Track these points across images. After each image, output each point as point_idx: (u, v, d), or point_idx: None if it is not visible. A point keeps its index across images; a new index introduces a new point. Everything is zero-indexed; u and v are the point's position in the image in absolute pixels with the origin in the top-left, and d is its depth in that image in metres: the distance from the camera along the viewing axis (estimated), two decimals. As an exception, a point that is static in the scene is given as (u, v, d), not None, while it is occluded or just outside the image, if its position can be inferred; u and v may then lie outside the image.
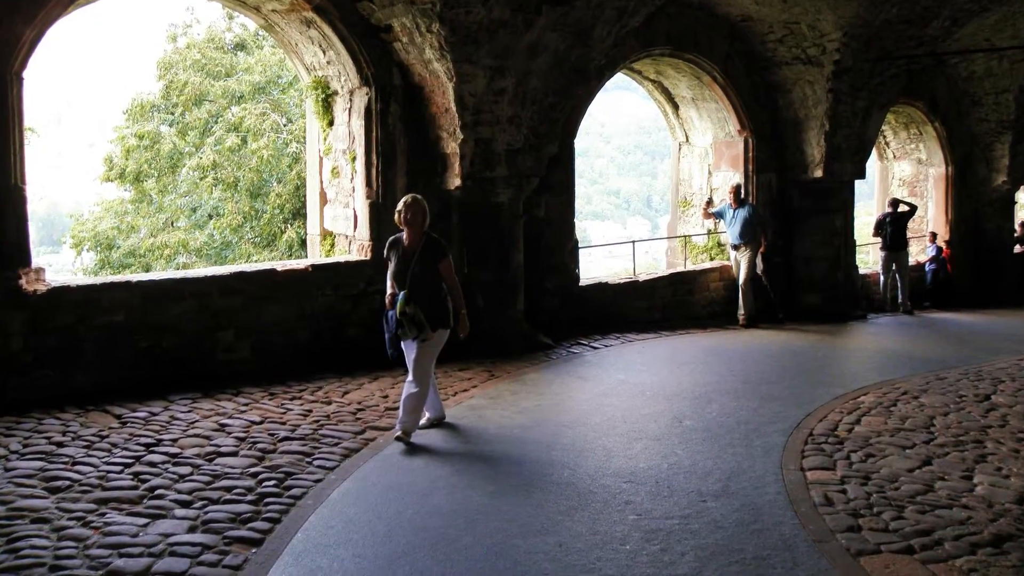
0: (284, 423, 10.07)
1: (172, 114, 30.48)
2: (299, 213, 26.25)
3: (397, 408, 10.09)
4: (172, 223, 29.63)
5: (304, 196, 19.96)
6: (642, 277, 17.72)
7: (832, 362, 15.02)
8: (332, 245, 14.32)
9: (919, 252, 24.00)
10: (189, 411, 10.42)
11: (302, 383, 11.88)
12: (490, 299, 14.07)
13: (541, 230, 15.38)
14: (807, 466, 8.96)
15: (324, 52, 13.49)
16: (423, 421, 10.03)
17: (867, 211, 35.44)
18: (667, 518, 7.55)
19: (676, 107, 19.50)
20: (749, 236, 17.67)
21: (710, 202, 18.94)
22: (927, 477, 8.66)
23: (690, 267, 18.85)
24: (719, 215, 18.28)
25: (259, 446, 9.23)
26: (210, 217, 29.07)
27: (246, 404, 10.83)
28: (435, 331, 9.59)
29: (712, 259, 19.19)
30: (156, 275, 12.43)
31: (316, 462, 8.86)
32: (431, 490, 8.20)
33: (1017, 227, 25.85)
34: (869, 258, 25.78)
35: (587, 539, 7.10)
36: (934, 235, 23.71)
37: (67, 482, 8.05)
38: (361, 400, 11.20)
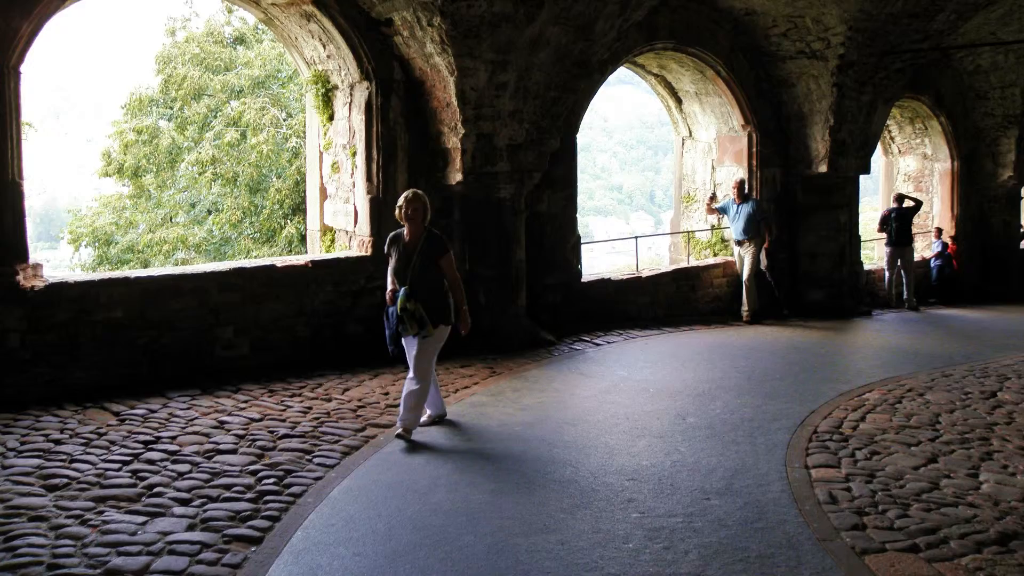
0: (284, 420, 10.07)
1: (171, 109, 30.46)
2: (299, 208, 26.24)
3: (398, 405, 10.10)
4: (171, 218, 29.61)
5: (304, 191, 19.99)
6: (645, 273, 17.70)
7: (837, 359, 15.02)
8: (332, 241, 14.32)
9: (924, 248, 24.00)
10: (188, 408, 10.42)
11: (302, 380, 11.88)
12: (492, 295, 14.07)
13: (543, 226, 15.38)
14: (811, 464, 8.96)
15: (324, 46, 13.48)
16: (424, 418, 10.03)
17: (872, 206, 35.51)
18: (670, 516, 7.55)
19: (679, 101, 19.48)
20: (753, 232, 17.66)
21: (714, 197, 18.93)
22: (932, 475, 8.66)
23: (693, 263, 18.83)
24: (723, 210, 18.27)
25: (259, 443, 9.23)
26: (209, 213, 29.06)
27: (245, 401, 10.83)
28: (436, 327, 9.59)
29: (715, 255, 19.18)
30: (155, 271, 12.42)
31: (316, 460, 8.86)
32: (432, 488, 8.20)
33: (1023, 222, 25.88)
34: (874, 254, 25.80)
35: (589, 537, 7.10)
36: (940, 231, 23.72)
37: (65, 480, 8.05)
38: (361, 397, 11.20)
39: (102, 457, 8.69)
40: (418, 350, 9.60)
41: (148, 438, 9.28)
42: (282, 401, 10.89)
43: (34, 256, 11.08)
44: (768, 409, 11.04)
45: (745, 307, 17.80)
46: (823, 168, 18.72)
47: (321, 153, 14.48)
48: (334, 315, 13.06)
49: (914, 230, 21.98)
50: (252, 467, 8.54)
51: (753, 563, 6.65)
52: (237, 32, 31.76)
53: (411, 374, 9.65)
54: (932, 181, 24.30)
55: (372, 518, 7.45)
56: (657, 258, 32.79)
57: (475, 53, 12.85)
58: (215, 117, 29.25)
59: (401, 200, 9.70)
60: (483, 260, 14.10)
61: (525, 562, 6.64)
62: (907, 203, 21.50)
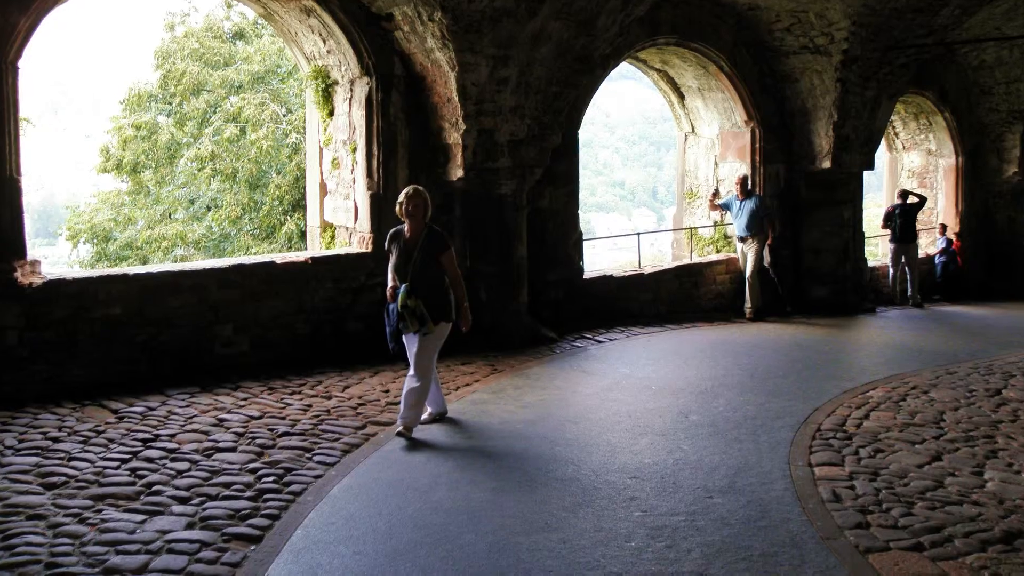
0: (283, 418, 10.07)
1: (170, 104, 30.46)
2: (299, 205, 26.25)
3: (398, 403, 10.09)
4: (170, 215, 29.63)
5: (304, 187, 19.97)
6: (647, 270, 17.70)
7: (840, 356, 15.01)
8: (332, 237, 14.31)
9: (929, 244, 23.98)
10: (187, 406, 10.42)
11: (302, 377, 11.88)
12: (493, 292, 14.06)
13: (545, 222, 15.37)
14: (815, 462, 8.96)
15: (324, 41, 13.47)
16: (425, 416, 10.03)
17: (876, 203, 35.50)
18: (673, 514, 7.54)
19: (682, 97, 19.47)
20: (756, 228, 17.65)
21: (716, 193, 18.90)
22: (937, 473, 8.65)
23: (696, 259, 18.82)
24: (725, 207, 18.25)
25: (258, 441, 9.23)
26: (208, 209, 29.07)
27: (245, 399, 10.83)
28: (437, 324, 9.59)
29: (718, 251, 19.16)
30: (153, 268, 12.43)
31: (316, 458, 8.86)
32: (433, 486, 8.20)
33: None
34: (878, 250, 25.81)
35: (591, 536, 7.10)
36: (944, 227, 23.69)
37: (63, 478, 8.05)
38: (362, 395, 11.20)
39: (100, 455, 8.69)
40: (419, 347, 9.60)
41: (147, 436, 9.28)
42: (282, 399, 10.89)
43: (32, 253, 11.07)
44: (771, 407, 11.04)
45: (748, 304, 17.79)
46: (827, 164, 18.70)
47: (321, 149, 14.47)
48: (334, 312, 13.05)
49: (918, 226, 21.95)
50: (251, 465, 8.54)
51: (756, 562, 6.65)
52: (236, 27, 31.76)
53: (412, 371, 9.65)
54: (936, 177, 24.27)
55: (372, 516, 7.45)
56: (659, 255, 32.76)
57: (476, 48, 12.84)
58: (214, 113, 29.25)
59: (402, 196, 9.70)
60: (484, 257, 14.09)
61: (526, 561, 6.63)
62: (911, 199, 21.49)
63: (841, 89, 17.90)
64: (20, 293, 10.52)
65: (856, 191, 19.86)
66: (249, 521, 7.26)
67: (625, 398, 11.41)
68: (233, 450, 8.97)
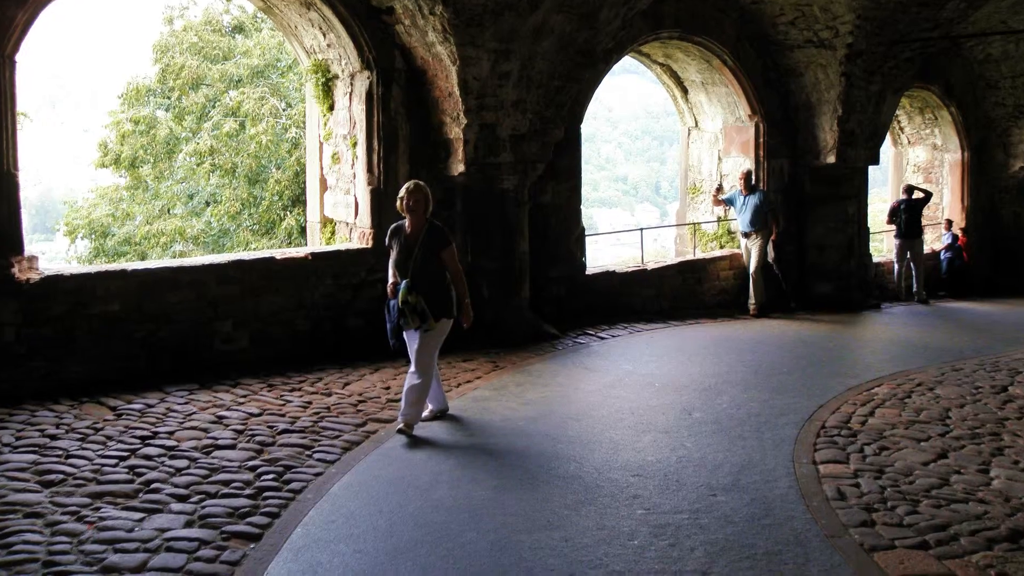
0: (283, 415, 10.07)
1: (168, 98, 30.42)
2: (299, 200, 26.22)
3: (399, 400, 10.09)
4: (168, 210, 29.60)
5: (304, 182, 19.95)
6: (650, 265, 17.69)
7: (845, 352, 15.01)
8: (332, 233, 14.31)
9: (934, 240, 23.96)
10: (186, 403, 10.42)
11: (302, 374, 11.88)
12: (494, 288, 14.05)
13: (547, 217, 15.36)
14: (819, 459, 8.96)
15: (324, 35, 13.46)
16: (426, 413, 10.03)
17: (881, 198, 35.40)
18: (676, 512, 7.54)
19: (685, 91, 19.46)
20: (760, 223, 17.64)
21: (720, 189, 18.89)
22: (942, 471, 8.65)
23: (699, 255, 18.82)
24: (729, 202, 18.24)
25: (258, 439, 9.23)
26: (207, 204, 29.04)
27: (244, 396, 10.83)
28: (438, 321, 9.59)
29: (722, 247, 19.16)
30: (152, 264, 12.42)
31: (316, 455, 8.86)
32: (434, 484, 8.20)
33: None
34: (883, 246, 25.74)
35: (594, 534, 7.10)
36: (950, 222, 23.67)
37: (61, 476, 8.06)
38: (362, 392, 11.20)
39: (99, 452, 8.69)
40: (420, 344, 9.60)
41: (145, 433, 9.28)
42: (281, 396, 10.89)
43: (29, 248, 11.08)
44: (775, 404, 11.04)
45: (752, 300, 17.78)
46: (831, 159, 18.69)
47: (321, 144, 14.47)
48: (334, 308, 13.05)
49: (924, 222, 21.93)
50: (251, 463, 8.55)
51: (760, 560, 6.65)
52: (236, 21, 31.74)
53: (412, 368, 9.66)
54: (942, 172, 24.25)
55: (373, 514, 7.45)
56: (663, 250, 32.79)
57: (478, 42, 12.83)
58: (213, 107, 29.22)
59: (402, 191, 9.69)
60: (486, 252, 14.08)
61: (528, 559, 6.63)
62: (916, 194, 21.46)
63: (846, 83, 17.88)
64: (17, 289, 10.52)
65: (861, 186, 19.85)
66: (248, 519, 7.27)
67: (628, 395, 11.40)
68: (232, 447, 8.97)
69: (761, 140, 18.66)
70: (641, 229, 20.72)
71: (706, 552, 6.77)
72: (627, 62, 18.92)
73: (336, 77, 13.91)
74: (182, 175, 29.61)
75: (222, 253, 23.68)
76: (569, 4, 13.14)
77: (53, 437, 9.08)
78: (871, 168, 20.06)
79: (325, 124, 14.28)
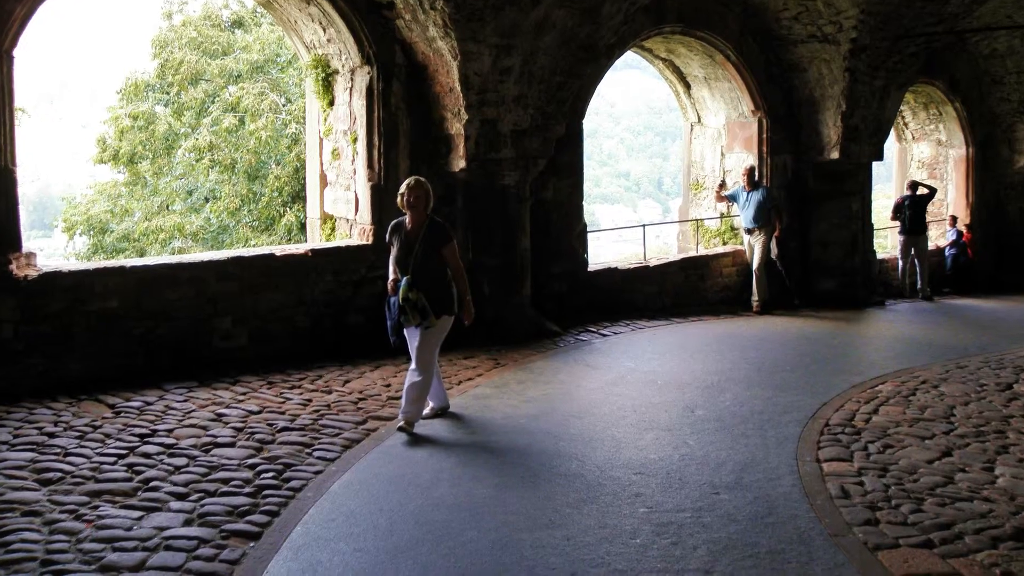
0: (283, 413, 10.07)
1: (167, 94, 30.39)
2: (298, 196, 26.20)
3: (400, 397, 10.09)
4: (167, 206, 29.57)
5: (304, 178, 19.94)
6: (653, 262, 17.69)
7: (849, 350, 15.01)
8: (332, 229, 14.31)
9: (939, 236, 23.95)
10: (185, 400, 10.42)
11: (302, 371, 11.88)
12: (496, 285, 14.05)
13: (548, 214, 15.36)
14: (823, 457, 8.95)
15: (324, 30, 13.46)
16: (427, 411, 10.03)
17: (885, 194, 35.45)
18: (679, 511, 7.54)
19: (688, 87, 19.45)
20: (763, 220, 17.63)
21: (723, 185, 18.89)
22: (947, 469, 8.64)
23: (702, 252, 18.82)
24: (732, 198, 18.24)
25: (257, 437, 9.23)
26: (206, 200, 29.02)
27: (244, 393, 10.83)
28: (439, 318, 9.59)
29: (725, 243, 19.16)
30: (151, 260, 12.41)
31: (316, 453, 8.86)
32: (435, 482, 8.20)
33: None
34: (887, 242, 25.76)
35: (596, 533, 7.09)
36: (954, 219, 23.66)
37: (59, 474, 8.05)
38: (362, 389, 11.20)
39: (97, 450, 8.69)
40: (420, 341, 9.60)
41: (144, 431, 9.28)
42: (281, 393, 10.89)
43: (27, 245, 11.08)
44: (779, 401, 11.03)
45: (755, 297, 17.78)
46: (835, 155, 18.68)
47: (321, 139, 14.47)
48: (334, 305, 13.05)
49: (928, 218, 21.93)
50: (250, 461, 8.55)
51: (763, 559, 6.64)
52: (235, 15, 31.69)
53: (413, 366, 9.65)
54: (947, 168, 24.23)
55: (373, 513, 7.45)
56: (665, 247, 32.72)
57: (479, 37, 12.82)
58: (213, 102, 29.19)
59: (403, 187, 9.69)
60: (487, 249, 14.08)
61: (530, 558, 6.63)
62: (921, 190, 21.45)
63: (850, 78, 17.87)
64: (15, 286, 10.52)
65: (865, 182, 19.85)
66: (248, 518, 7.26)
67: (630, 392, 11.40)
68: (232, 445, 8.97)
69: (764, 136, 18.65)
70: (643, 225, 20.72)
71: (709, 551, 6.76)
72: (629, 57, 18.92)
73: (336, 72, 13.90)
74: (181, 171, 29.57)
75: (221, 249, 23.64)
76: (571, -1, 13.17)
77: (51, 435, 9.08)
78: (875, 164, 20.06)
79: (325, 120, 14.28)
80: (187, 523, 7.11)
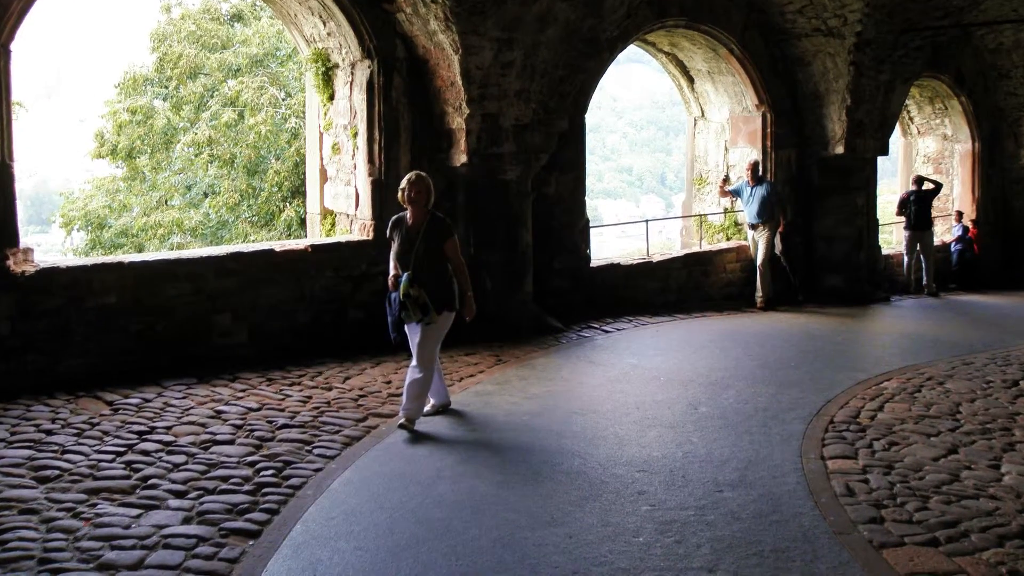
0: (283, 410, 10.07)
1: (166, 88, 30.42)
2: (298, 191, 26.22)
3: (400, 394, 10.08)
4: (166, 201, 29.60)
5: (303, 173, 19.95)
6: (656, 258, 17.69)
7: (854, 346, 15.00)
8: (333, 224, 14.31)
9: (944, 232, 23.92)
10: (184, 397, 10.42)
11: (301, 368, 11.88)
12: (497, 281, 14.05)
13: (550, 209, 15.34)
14: (828, 455, 8.95)
15: (324, 23, 13.45)
16: (428, 408, 10.02)
17: (890, 189, 35.39)
18: (682, 509, 7.54)
19: (691, 81, 19.42)
20: (767, 215, 17.61)
21: (726, 180, 18.85)
22: (953, 466, 8.64)
23: (706, 247, 18.80)
24: (736, 193, 18.22)
25: (256, 434, 9.23)
26: (206, 195, 29.05)
27: (243, 390, 10.83)
28: (440, 314, 9.58)
29: (729, 239, 19.14)
30: (149, 256, 12.43)
31: (316, 451, 8.86)
32: (436, 480, 8.20)
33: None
34: (892, 238, 25.76)
35: (598, 531, 7.09)
36: (960, 214, 23.62)
37: (56, 471, 8.05)
38: (363, 386, 11.20)
39: (95, 448, 8.69)
40: (421, 337, 9.59)
41: (142, 428, 9.28)
42: (281, 390, 10.89)
43: (25, 240, 11.07)
44: (783, 398, 11.03)
45: (759, 293, 17.77)
46: (840, 149, 18.66)
47: (321, 134, 14.46)
48: (335, 301, 13.05)
49: (934, 213, 21.91)
50: (250, 458, 8.54)
51: (768, 557, 6.64)
52: (234, 9, 31.72)
53: (414, 362, 9.64)
54: (952, 163, 24.20)
55: (374, 511, 7.45)
56: (668, 242, 32.71)
57: (480, 30, 12.81)
58: (212, 97, 29.21)
59: (404, 182, 9.68)
60: (488, 244, 14.07)
61: (532, 556, 6.63)
62: (926, 185, 21.44)
63: (854, 72, 17.84)
64: (12, 282, 10.52)
65: (870, 177, 19.84)
66: (247, 516, 7.26)
67: (633, 389, 11.40)
68: (231, 443, 8.97)
69: (768, 130, 18.63)
70: (646, 221, 20.75)
71: (712, 549, 6.76)
72: (632, 51, 18.89)
73: (336, 66, 13.90)
74: (180, 166, 29.62)
75: (220, 245, 23.66)
76: (573, -8, 13.16)
77: (49, 432, 9.08)
78: (880, 159, 20.05)
79: (325, 114, 14.27)
80: (186, 521, 7.11)
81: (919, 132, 24.69)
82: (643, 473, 8.39)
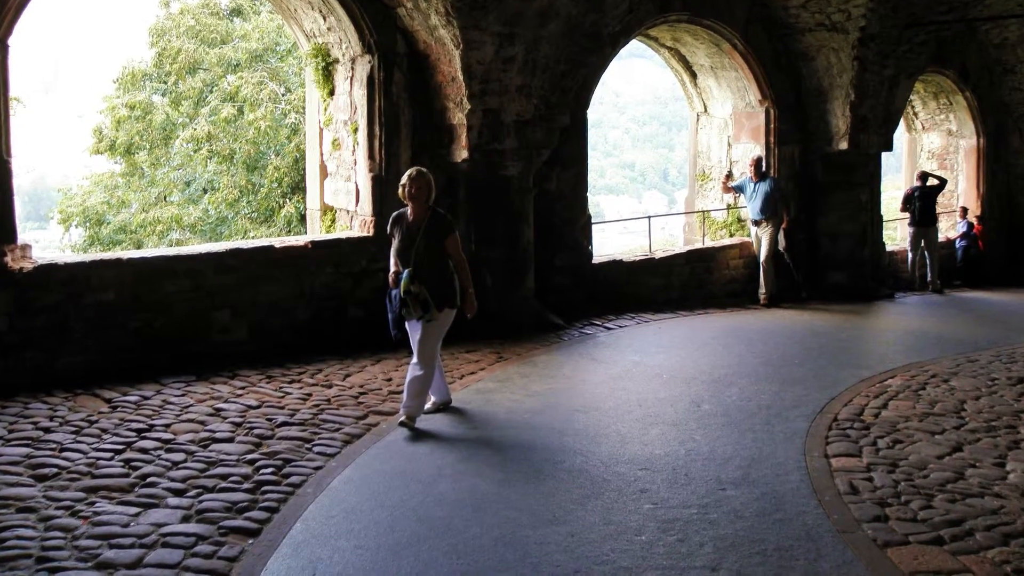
0: (282, 407, 10.07)
1: (165, 83, 30.40)
2: (298, 187, 26.19)
3: (401, 392, 10.07)
4: (165, 197, 29.57)
5: (303, 169, 19.93)
6: (658, 254, 17.67)
7: (858, 343, 15.00)
8: (333, 221, 14.30)
9: (949, 228, 23.91)
10: (183, 395, 10.42)
11: (301, 365, 11.88)
12: (499, 277, 14.04)
13: (552, 205, 15.34)
14: (831, 452, 8.94)
15: (324, 18, 13.44)
16: (428, 405, 10.02)
17: (895, 185, 35.42)
18: (684, 507, 7.53)
19: (694, 76, 19.40)
20: (771, 211, 17.59)
21: (730, 175, 18.84)
22: (957, 464, 8.63)
23: (709, 244, 18.79)
24: (739, 189, 18.20)
25: (256, 432, 9.23)
26: (205, 191, 29.02)
27: (242, 388, 10.83)
28: (441, 311, 9.57)
29: (732, 235, 19.13)
30: (148, 252, 12.42)
31: (316, 448, 8.86)
32: (437, 478, 8.20)
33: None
34: (897, 234, 25.70)
35: (600, 529, 7.09)
36: (965, 210, 23.61)
37: (54, 469, 8.05)
38: (363, 383, 11.20)
39: (93, 446, 8.69)
40: (422, 334, 9.58)
41: (141, 426, 9.28)
42: (280, 387, 10.89)
43: (23, 237, 11.08)
44: (786, 396, 11.02)
45: (762, 290, 17.75)
46: (844, 145, 18.65)
47: (321, 129, 14.46)
48: (335, 298, 13.05)
49: (938, 209, 21.89)
50: (249, 456, 8.54)
51: (771, 556, 6.64)
52: (234, 3, 31.68)
53: (415, 359, 9.63)
54: (957, 158, 24.18)
55: (374, 509, 7.45)
56: (671, 239, 32.70)
57: (481, 25, 12.81)
58: (211, 92, 29.19)
59: (404, 178, 9.67)
60: (490, 241, 14.06)
61: (533, 555, 6.63)
62: (931, 181, 21.42)
63: (858, 68, 17.83)
64: (10, 278, 10.52)
65: (874, 173, 19.83)
66: (247, 514, 7.26)
67: (635, 387, 11.40)
68: (230, 441, 8.96)
69: (772, 126, 18.61)
70: (649, 217, 20.74)
71: (715, 548, 6.76)
72: (635, 46, 18.87)
73: (336, 61, 13.89)
74: (179, 162, 29.58)
75: (220, 241, 23.66)
76: (575, -14, 13.15)
77: (47, 430, 9.08)
78: (884, 154, 20.05)
79: (325, 109, 14.27)
80: (185, 520, 7.11)
81: (923, 128, 24.68)
82: (645, 471, 8.39)
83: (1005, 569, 6.44)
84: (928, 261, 21.35)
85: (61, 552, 6.48)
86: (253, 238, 24.72)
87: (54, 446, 8.64)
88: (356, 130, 13.63)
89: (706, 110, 19.73)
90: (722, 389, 11.33)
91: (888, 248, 21.65)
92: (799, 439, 9.37)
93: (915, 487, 7.98)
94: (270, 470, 8.20)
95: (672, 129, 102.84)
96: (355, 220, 13.76)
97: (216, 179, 28.37)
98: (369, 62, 13.30)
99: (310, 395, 10.61)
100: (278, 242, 12.96)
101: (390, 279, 9.72)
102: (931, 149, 24.61)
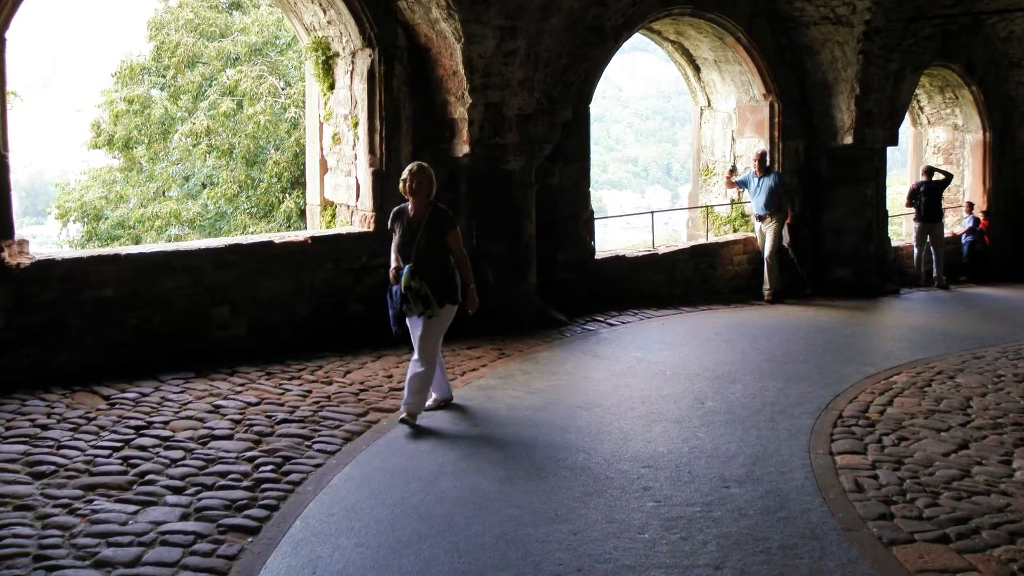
0: (282, 404, 10.07)
1: (163, 77, 30.41)
2: (298, 182, 26.22)
3: (402, 388, 10.07)
4: (163, 192, 29.61)
5: (303, 164, 19.94)
6: (661, 250, 17.65)
7: (863, 340, 14.99)
8: (333, 216, 14.30)
9: (955, 223, 23.87)
10: (181, 392, 10.42)
11: (301, 362, 11.88)
12: (500, 273, 14.04)
13: (554, 200, 15.33)
14: (836, 450, 8.94)
15: (324, 11, 13.43)
16: (429, 402, 10.01)
17: (900, 180, 35.34)
18: (688, 505, 7.53)
19: (697, 70, 19.39)
20: (775, 206, 17.58)
21: (733, 170, 18.83)
22: (963, 462, 8.62)
23: (712, 239, 18.78)
24: (743, 184, 18.19)
25: (255, 429, 9.22)
26: (204, 186, 29.05)
27: (242, 384, 10.83)
28: (442, 307, 9.56)
29: (736, 230, 19.12)
30: (146, 248, 12.41)
31: (316, 446, 8.85)
32: (438, 475, 8.19)
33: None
34: (902, 229, 25.71)
35: (603, 527, 7.08)
36: (971, 205, 23.57)
37: (52, 467, 8.05)
38: (364, 380, 11.20)
39: (91, 443, 8.69)
40: (423, 331, 9.58)
41: (139, 423, 9.28)
42: (280, 384, 10.89)
43: (20, 232, 11.08)
44: (791, 392, 11.02)
45: (767, 285, 17.75)
46: (848, 140, 18.64)
47: (321, 124, 14.45)
48: (335, 294, 13.04)
49: (944, 204, 21.84)
50: (249, 454, 8.54)
51: (775, 554, 6.64)
52: (233, -4, 31.73)
53: (416, 356, 9.63)
54: (963, 153, 24.14)
55: (375, 507, 7.45)
56: (674, 234, 32.76)
57: (483, 19, 12.79)
58: (210, 86, 29.21)
59: (405, 173, 9.67)
60: (491, 236, 14.06)
61: (535, 553, 6.62)
62: (936, 176, 21.40)
63: (863, 61, 17.81)
64: (7, 274, 10.52)
65: (879, 168, 19.81)
66: (246, 512, 7.26)
67: (638, 384, 11.39)
68: (229, 438, 8.96)
69: (776, 120, 18.60)
70: (652, 212, 20.78)
71: (719, 546, 6.75)
72: (637, 39, 18.87)
73: (337, 55, 13.88)
74: (177, 156, 29.61)
75: (219, 237, 23.67)
76: (577, -21, 13.14)
77: (44, 427, 9.08)
78: (890, 149, 20.01)
79: (325, 103, 14.26)
80: (184, 518, 7.10)
81: (929, 122, 24.64)
82: (648, 469, 8.39)
83: (1011, 567, 6.43)
84: (933, 256, 21.33)
85: (59, 550, 6.48)
86: (252, 233, 24.72)
87: (52, 443, 8.63)
88: (356, 124, 13.62)
89: (710, 104, 19.72)
90: (726, 386, 11.32)
91: (893, 243, 21.64)
92: (804, 436, 9.36)
93: (921, 485, 7.97)
94: (270, 468, 8.20)
95: (675, 124, 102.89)
96: (355, 215, 13.75)
97: (215, 174, 28.39)
98: (370, 56, 13.29)
99: (310, 392, 10.61)
100: (278, 237, 12.95)
101: (391, 275, 9.70)
102: (937, 144, 24.58)
